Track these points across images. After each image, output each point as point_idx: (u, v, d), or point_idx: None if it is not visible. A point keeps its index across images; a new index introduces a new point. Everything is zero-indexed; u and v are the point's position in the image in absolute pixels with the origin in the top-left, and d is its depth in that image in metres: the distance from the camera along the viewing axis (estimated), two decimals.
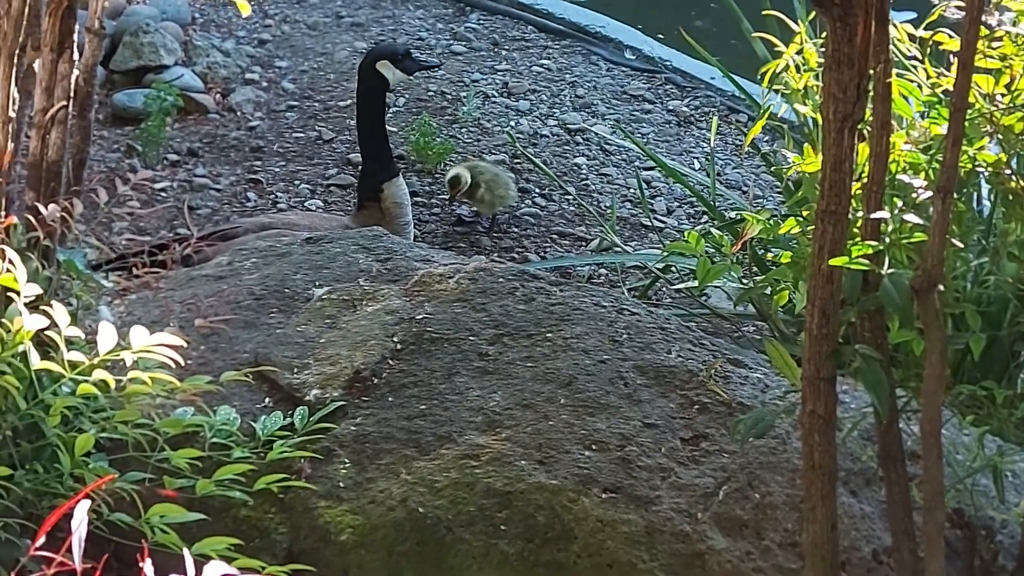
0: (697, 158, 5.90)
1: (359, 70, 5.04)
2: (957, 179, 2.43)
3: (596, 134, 5.99)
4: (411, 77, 5.28)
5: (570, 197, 5.57)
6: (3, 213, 3.03)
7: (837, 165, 2.49)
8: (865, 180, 2.61)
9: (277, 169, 5.75)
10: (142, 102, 5.88)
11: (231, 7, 7.00)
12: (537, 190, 5.65)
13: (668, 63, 6.57)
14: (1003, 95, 2.72)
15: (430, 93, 6.28)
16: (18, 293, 2.73)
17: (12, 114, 2.97)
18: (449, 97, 6.26)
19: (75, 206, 3.07)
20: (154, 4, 6.77)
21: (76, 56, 3.17)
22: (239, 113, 6.13)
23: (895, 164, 2.72)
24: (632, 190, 5.61)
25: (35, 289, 2.73)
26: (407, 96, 6.24)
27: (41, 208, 3.01)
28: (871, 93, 2.56)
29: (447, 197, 5.36)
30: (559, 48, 6.75)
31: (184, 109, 6.01)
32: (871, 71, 2.52)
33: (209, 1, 6.94)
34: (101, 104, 6.06)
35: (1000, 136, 2.70)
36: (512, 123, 6.07)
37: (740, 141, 5.95)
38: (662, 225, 5.42)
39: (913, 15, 3.28)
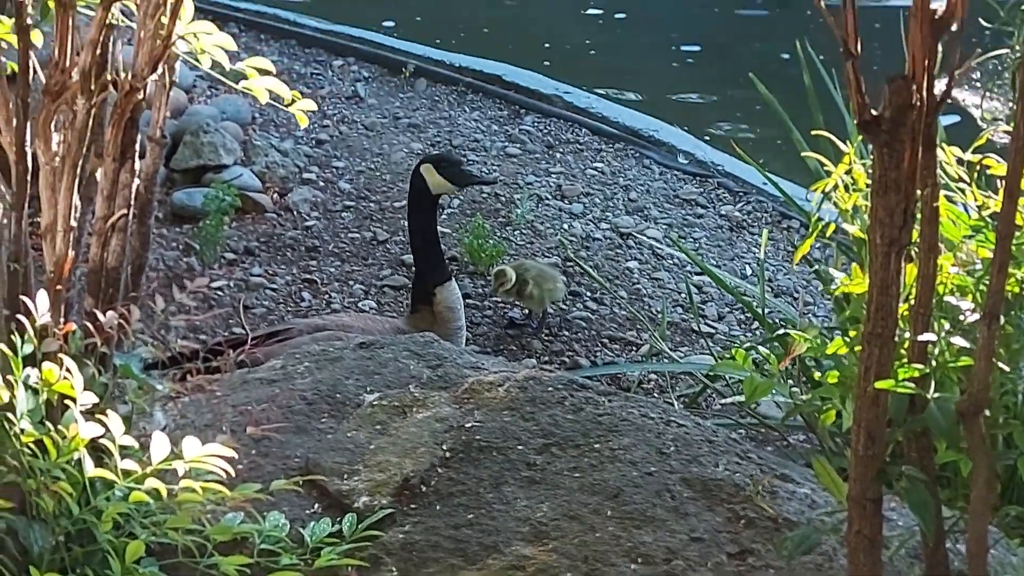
0: (748, 263, 5.93)
1: (412, 173, 5.11)
2: (1003, 303, 2.45)
3: (648, 238, 6.03)
4: (460, 189, 5.31)
5: (621, 301, 5.60)
6: (62, 319, 3.08)
7: (884, 288, 2.51)
8: (912, 302, 2.63)
9: (332, 269, 5.82)
10: (201, 201, 5.97)
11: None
12: (588, 294, 5.68)
13: (720, 168, 6.62)
14: None
15: (484, 195, 6.34)
16: (74, 400, 2.77)
17: (74, 222, 3.03)
18: (503, 199, 6.32)
19: (132, 312, 3.13)
20: (215, 104, 6.90)
21: (137, 165, 3.24)
22: (296, 212, 6.21)
23: (942, 286, 2.74)
24: (683, 295, 5.64)
25: (91, 397, 2.78)
26: (461, 198, 6.30)
27: (99, 315, 3.06)
28: (918, 216, 2.59)
29: (491, 290, 5.40)
30: (612, 151, 6.82)
31: (242, 208, 6.10)
32: (918, 194, 2.55)
33: (269, 102, 7.04)
34: (160, 203, 6.15)
35: None
36: (565, 226, 6.12)
37: (792, 247, 5.98)
38: (712, 331, 5.43)
39: (956, 119, 3.32)
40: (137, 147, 3.26)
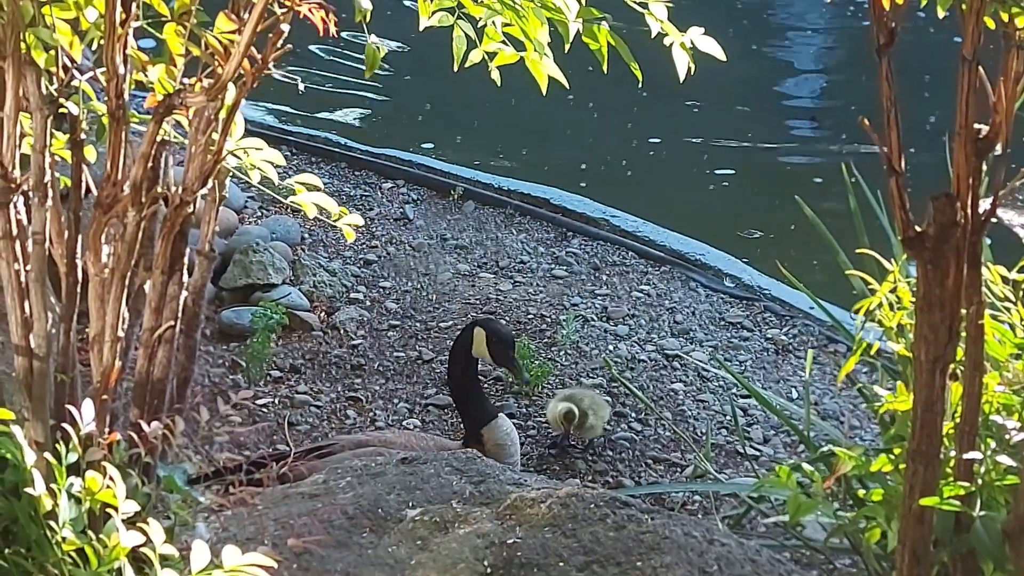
0: (795, 386, 5.90)
1: (465, 327, 5.14)
2: None
3: (693, 360, 6.02)
4: (493, 366, 5.37)
5: (665, 423, 5.58)
6: (107, 429, 3.10)
7: (928, 406, 2.50)
8: (958, 420, 2.61)
9: (377, 387, 5.83)
10: (249, 320, 6.01)
11: (339, 229, 7.17)
12: (633, 414, 5.67)
13: (767, 292, 6.62)
14: None
15: (529, 316, 6.36)
16: (116, 509, 2.78)
17: (121, 333, 3.06)
18: (548, 320, 6.34)
19: (177, 424, 3.14)
20: (265, 224, 6.97)
21: (185, 278, 3.28)
22: (342, 331, 6.24)
23: (988, 405, 2.72)
24: (728, 417, 5.62)
25: (133, 506, 2.79)
26: (507, 318, 6.32)
27: (144, 425, 3.08)
28: (963, 334, 2.58)
29: (560, 433, 5.37)
30: (658, 274, 6.84)
31: (289, 326, 6.13)
32: (963, 312, 2.55)
33: (318, 223, 7.12)
34: (209, 320, 6.20)
35: None
36: (610, 347, 6.12)
37: (837, 372, 5.95)
38: (758, 453, 5.40)
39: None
40: (186, 261, 3.30)
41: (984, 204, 2.57)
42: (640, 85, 2.76)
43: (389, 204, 7.49)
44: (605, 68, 2.70)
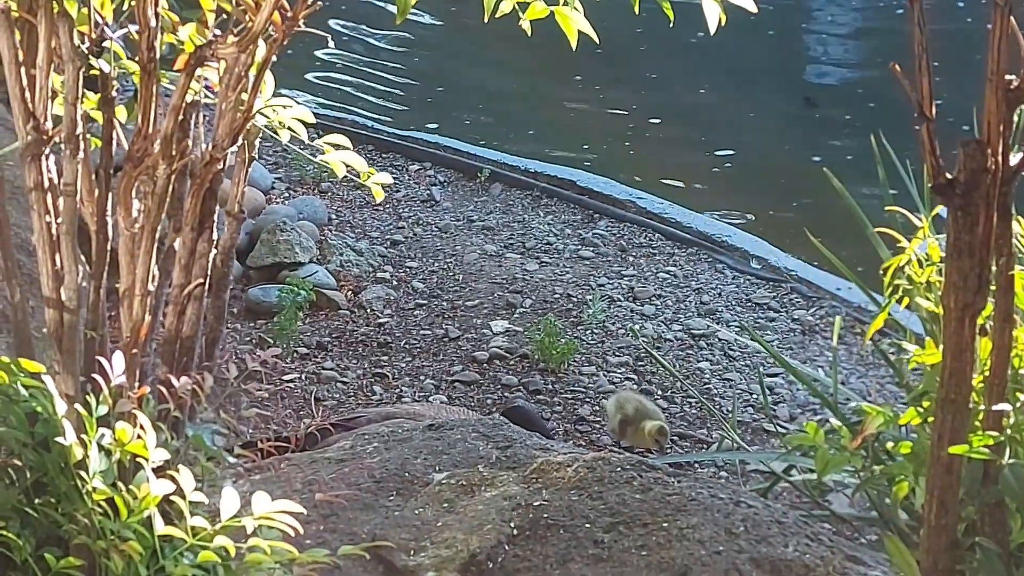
0: (821, 367, 5.89)
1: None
2: None
3: (720, 339, 6.02)
4: None
5: (692, 400, 5.58)
6: (137, 384, 3.11)
7: (958, 354, 2.49)
8: (987, 372, 2.61)
9: (403, 364, 5.84)
10: (276, 297, 6.03)
11: (367, 208, 7.21)
12: (659, 392, 5.67)
13: (794, 273, 6.61)
14: None
15: (556, 295, 6.37)
16: (147, 459, 2.79)
17: (151, 288, 3.07)
18: (575, 300, 6.34)
19: (206, 380, 3.15)
20: (293, 204, 6.99)
21: (215, 236, 3.29)
22: (369, 310, 6.25)
23: (1018, 359, 2.71)
24: (755, 395, 5.61)
25: (163, 455, 2.80)
26: (533, 298, 6.33)
27: (173, 380, 3.09)
28: (994, 286, 2.57)
29: (655, 449, 5.20)
30: (685, 255, 6.84)
31: (316, 304, 6.15)
32: (993, 263, 2.54)
33: (345, 204, 7.14)
34: (236, 298, 6.22)
35: None
36: (636, 327, 6.12)
37: (863, 353, 5.94)
38: (784, 431, 5.39)
39: None
40: (215, 220, 3.31)
41: (1016, 155, 2.56)
42: (671, 24, 2.75)
43: (416, 186, 7.51)
44: (636, 8, 2.69)
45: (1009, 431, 2.54)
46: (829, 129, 8.88)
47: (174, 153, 2.97)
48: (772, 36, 10.27)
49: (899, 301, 2.98)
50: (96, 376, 2.96)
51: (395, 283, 6.52)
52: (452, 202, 7.33)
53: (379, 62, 9.48)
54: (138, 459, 2.84)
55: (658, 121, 8.87)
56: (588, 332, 6.08)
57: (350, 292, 6.42)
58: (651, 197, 7.30)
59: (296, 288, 5.92)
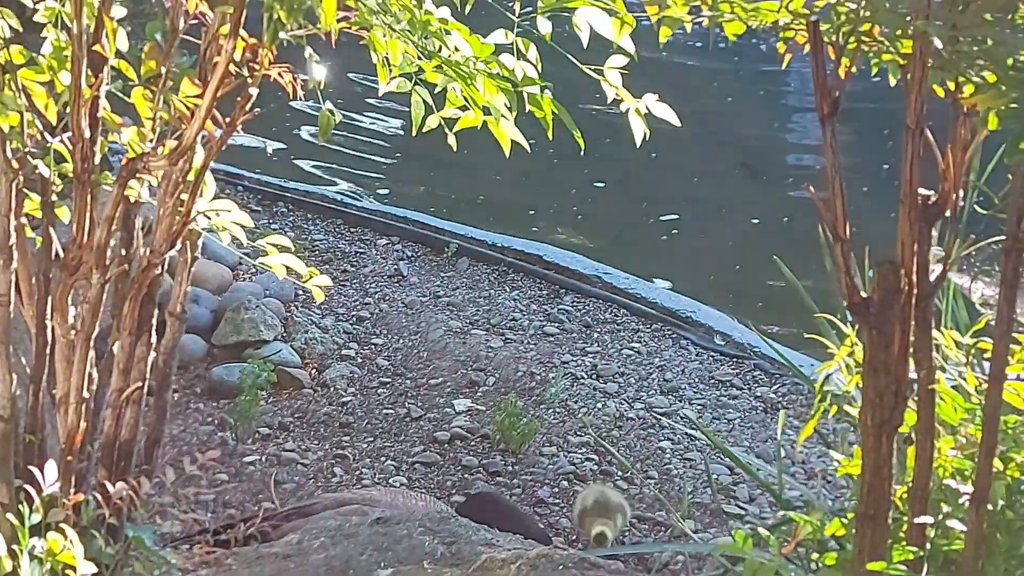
0: (783, 445, 5.90)
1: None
2: (992, 488, 2.44)
3: (682, 417, 6.03)
4: None
5: (653, 480, 5.58)
6: (73, 490, 3.12)
7: (876, 470, 2.51)
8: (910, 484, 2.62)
9: (364, 445, 5.84)
10: (238, 377, 6.03)
11: (333, 286, 7.22)
12: (619, 473, 5.67)
13: (757, 349, 6.62)
14: None
15: (519, 373, 6.38)
16: (74, 569, 2.80)
17: (87, 394, 3.09)
18: (538, 378, 6.35)
19: (142, 485, 3.16)
20: (259, 281, 7.00)
21: (154, 339, 3.31)
22: (332, 389, 6.26)
23: (942, 469, 2.73)
24: (716, 475, 5.61)
25: (91, 567, 2.80)
26: (497, 376, 6.34)
27: (109, 486, 3.10)
28: (916, 398, 2.59)
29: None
30: (650, 332, 6.86)
31: (279, 384, 6.16)
32: (915, 376, 2.56)
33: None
34: (200, 377, 6.23)
35: None
36: (599, 405, 6.13)
37: (827, 428, 5.94)
38: (743, 512, 5.40)
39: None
40: (154, 323, 3.33)
41: (935, 269, 2.58)
42: (583, 152, 2.79)
43: (384, 261, 7.53)
44: (551, 135, 2.73)
45: (931, 545, 2.55)
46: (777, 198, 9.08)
47: (108, 263, 2.99)
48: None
49: (827, 409, 2.99)
50: (32, 484, 2.97)
51: (359, 360, 6.53)
52: (419, 277, 7.35)
53: (349, 135, 9.53)
54: (68, 569, 2.85)
55: (602, 185, 9.05)
56: (550, 411, 6.09)
57: (314, 370, 6.43)
58: (617, 272, 7.33)
59: (257, 369, 5.92)
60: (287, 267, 3.44)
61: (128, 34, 3.28)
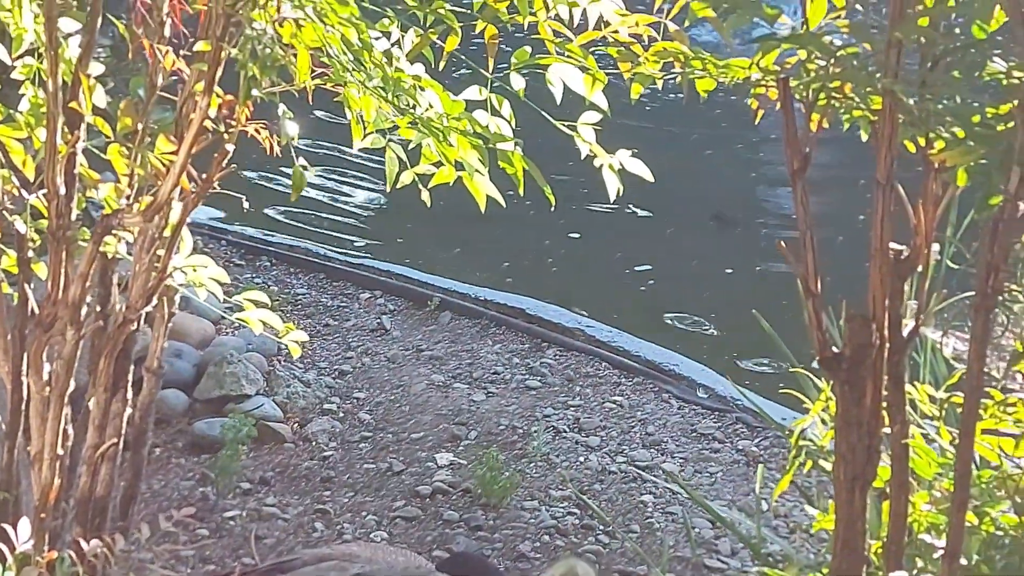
0: (765, 498, 5.89)
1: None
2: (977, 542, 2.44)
3: (664, 471, 6.02)
4: None
5: (635, 534, 5.56)
6: (47, 547, 3.11)
7: (849, 524, 2.51)
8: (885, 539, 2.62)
9: (346, 500, 5.83)
10: (219, 431, 6.01)
11: (316, 339, 7.22)
12: (601, 527, 5.66)
13: (739, 403, 6.62)
14: None
15: (501, 427, 6.37)
16: None
17: (61, 451, 3.08)
18: (520, 432, 6.34)
19: (117, 542, 3.15)
20: (242, 335, 6.99)
21: (130, 395, 3.31)
22: (314, 443, 6.24)
23: (917, 524, 2.73)
24: (698, 529, 5.60)
25: None
26: (479, 429, 6.33)
27: (83, 543, 3.09)
28: (890, 452, 2.60)
29: None
30: (631, 385, 6.85)
31: (260, 438, 6.14)
32: (888, 430, 2.57)
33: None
34: (182, 432, 6.22)
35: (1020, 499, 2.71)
36: (581, 459, 6.12)
37: (808, 482, 5.93)
38: (724, 567, 5.38)
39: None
40: (129, 379, 3.33)
41: (908, 324, 2.59)
42: (553, 208, 2.81)
43: (366, 315, 7.53)
44: (521, 191, 2.75)
45: None
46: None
47: (82, 319, 2.99)
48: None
49: (802, 464, 2.99)
50: (5, 542, 2.96)
51: (341, 415, 6.51)
52: (401, 331, 7.35)
53: (332, 189, 9.56)
54: None
55: (577, 236, 9.11)
56: (532, 465, 6.08)
57: (296, 424, 6.41)
58: (600, 325, 7.33)
59: (239, 424, 5.91)
60: (264, 322, 3.43)
61: (111, 90, 3.30)
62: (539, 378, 6.87)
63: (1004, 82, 2.33)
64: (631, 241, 9.26)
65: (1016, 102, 2.21)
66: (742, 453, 6.30)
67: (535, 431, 6.27)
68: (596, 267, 8.94)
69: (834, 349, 2.46)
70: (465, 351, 7.14)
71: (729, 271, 8.85)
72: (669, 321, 8.10)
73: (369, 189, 9.76)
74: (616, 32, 2.69)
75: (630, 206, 9.36)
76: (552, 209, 2.87)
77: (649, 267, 8.93)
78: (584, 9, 2.71)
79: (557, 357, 7.11)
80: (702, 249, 9.43)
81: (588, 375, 6.94)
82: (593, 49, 2.83)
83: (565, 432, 6.37)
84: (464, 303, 7.60)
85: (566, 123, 2.74)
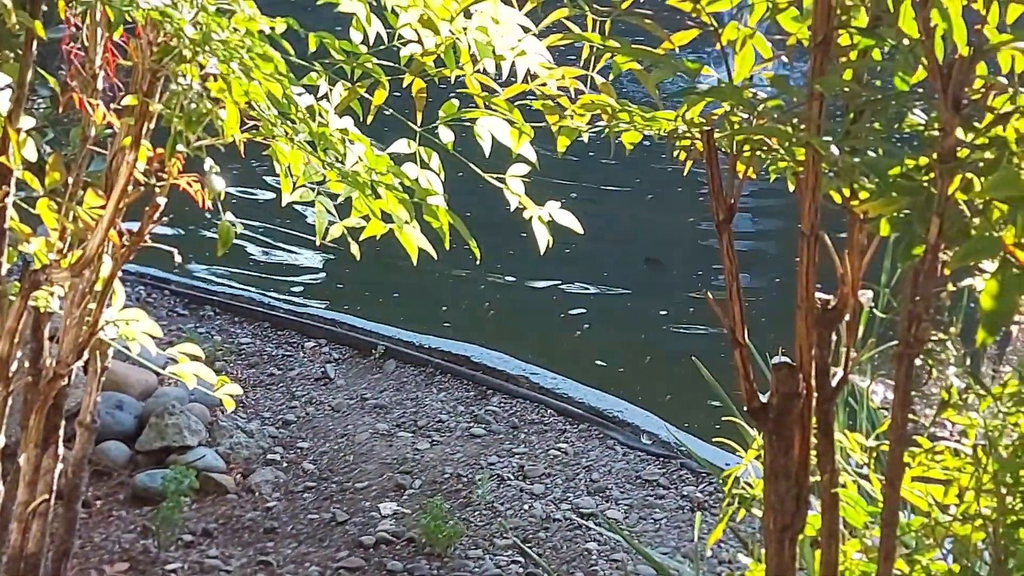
0: (705, 544, 5.89)
1: None
2: None
3: (606, 519, 6.01)
4: None
5: None
6: None
7: (779, 575, 2.51)
8: None
9: (289, 551, 5.79)
10: (160, 483, 5.97)
11: (260, 388, 7.19)
12: (545, 575, 5.64)
13: (683, 448, 6.62)
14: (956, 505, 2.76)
15: (446, 476, 6.35)
16: None
17: None
18: (464, 480, 6.32)
19: None
20: (184, 385, 6.94)
21: (62, 450, 3.28)
22: (257, 494, 6.21)
23: (848, 573, 2.74)
24: None
25: None
26: (423, 478, 6.31)
27: None
28: (821, 501, 2.60)
29: None
30: (577, 432, 6.85)
31: (203, 489, 6.10)
32: (818, 479, 2.58)
33: (239, 382, 7.11)
34: (124, 484, 6.17)
35: (953, 546, 2.72)
36: (525, 507, 6.10)
37: (752, 528, 5.94)
38: None
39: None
40: (60, 434, 3.31)
41: (837, 373, 2.61)
42: (479, 262, 2.81)
43: (311, 363, 7.51)
44: (447, 245, 2.75)
45: None
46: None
47: (10, 375, 2.97)
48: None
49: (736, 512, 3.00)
50: None
51: (285, 465, 6.48)
52: (346, 380, 7.33)
53: (275, 237, 9.56)
54: None
55: (512, 279, 9.14)
56: (476, 513, 6.06)
57: (239, 475, 6.37)
58: (544, 372, 7.32)
59: (180, 476, 5.87)
60: (198, 376, 3.42)
61: (50, 140, 3.29)
62: (484, 426, 6.86)
63: (924, 134, 2.36)
64: (566, 284, 9.33)
65: (936, 154, 2.24)
66: (687, 499, 6.30)
67: (480, 479, 6.25)
68: (532, 311, 9.00)
69: (761, 400, 2.47)
70: (410, 399, 7.12)
71: (663, 312, 8.94)
72: (604, 364, 8.15)
73: (311, 238, 9.76)
74: (544, 85, 2.70)
75: (566, 250, 9.39)
76: (477, 262, 2.87)
77: (584, 310, 9.00)
78: (512, 62, 2.72)
79: (502, 404, 7.10)
80: (636, 292, 9.49)
81: (533, 422, 6.93)
82: (525, 101, 2.85)
83: (510, 480, 6.36)
84: (409, 351, 7.58)
85: (495, 175, 2.76)
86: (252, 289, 8.53)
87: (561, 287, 9.34)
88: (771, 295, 8.63)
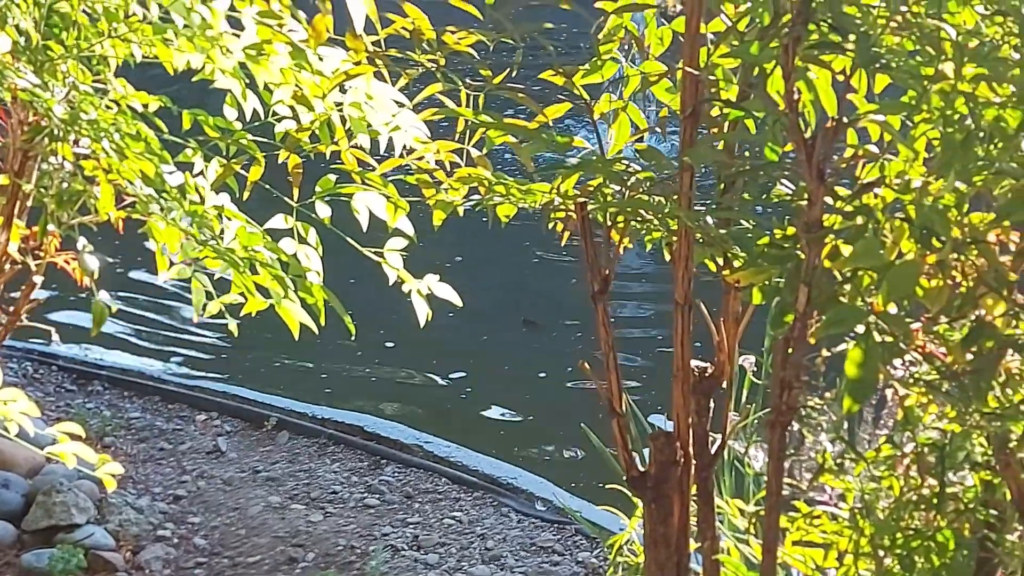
0: None
1: None
2: None
3: None
4: None
5: None
6: None
7: None
8: None
9: None
10: (47, 563, 5.87)
11: (150, 463, 7.10)
12: None
13: (578, 513, 6.63)
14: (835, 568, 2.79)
15: (339, 548, 6.30)
16: None
17: None
18: (358, 551, 6.27)
19: None
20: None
21: None
22: (147, 571, 6.11)
23: None
24: None
25: None
26: (316, 551, 6.25)
27: None
28: (702, 568, 2.62)
29: None
30: (471, 500, 6.83)
31: (91, 568, 6.00)
32: (699, 546, 2.59)
33: (127, 460, 7.03)
34: (10, 564, 6.05)
35: None
36: None
37: None
38: None
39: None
40: None
41: (715, 440, 2.63)
42: (353, 337, 2.82)
43: (202, 437, 7.43)
44: (323, 321, 2.76)
45: None
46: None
47: None
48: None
49: None
50: None
51: (176, 541, 6.39)
52: (238, 452, 7.26)
53: (163, 310, 9.50)
54: None
55: (392, 345, 9.14)
56: None
57: (129, 552, 6.27)
58: (438, 441, 7.30)
59: (68, 555, 5.77)
60: (77, 456, 3.37)
61: None
62: (377, 496, 6.82)
63: (792, 203, 2.40)
64: (446, 348, 9.35)
65: (803, 223, 2.27)
66: (582, 565, 6.30)
67: (373, 550, 6.20)
68: (412, 376, 9.03)
69: (640, 469, 2.49)
70: (303, 471, 7.07)
71: (543, 375, 9.00)
72: (492, 428, 8.19)
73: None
74: (421, 159, 2.71)
75: (450, 314, 9.43)
76: (352, 338, 2.87)
77: (464, 374, 9.04)
78: (389, 136, 2.73)
79: (396, 474, 7.07)
80: (516, 354, 9.55)
81: (427, 491, 6.90)
82: (401, 176, 2.86)
83: (404, 550, 6.32)
84: (302, 422, 7.53)
85: (372, 249, 2.77)
86: (144, 358, 8.44)
87: (440, 351, 9.34)
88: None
